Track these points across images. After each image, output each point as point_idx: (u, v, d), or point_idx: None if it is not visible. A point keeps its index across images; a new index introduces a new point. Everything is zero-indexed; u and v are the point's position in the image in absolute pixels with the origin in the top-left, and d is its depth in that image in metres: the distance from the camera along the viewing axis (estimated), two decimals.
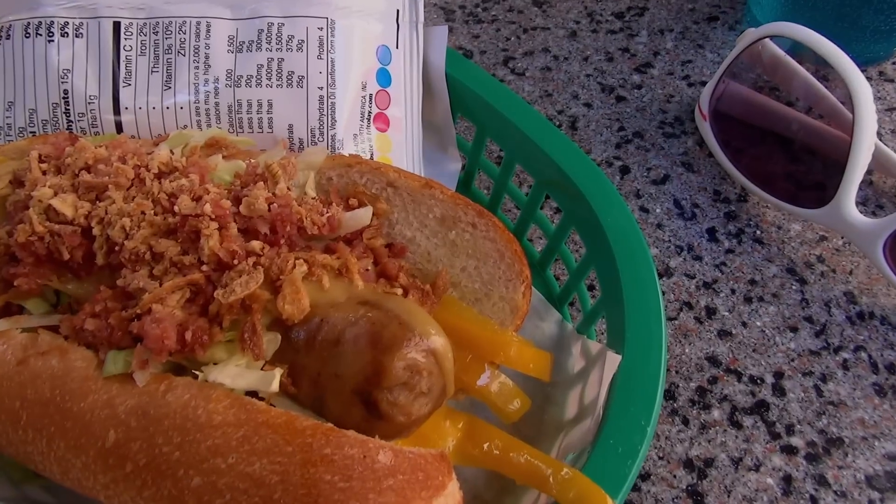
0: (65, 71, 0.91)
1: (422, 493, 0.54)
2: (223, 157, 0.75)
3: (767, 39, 1.10)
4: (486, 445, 0.64)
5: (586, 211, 0.82)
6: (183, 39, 0.91)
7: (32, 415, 0.60)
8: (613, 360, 0.68)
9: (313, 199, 0.71)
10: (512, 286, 0.72)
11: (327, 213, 0.68)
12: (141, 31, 0.92)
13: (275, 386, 0.57)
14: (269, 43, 0.90)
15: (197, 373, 0.59)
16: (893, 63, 1.29)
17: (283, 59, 0.89)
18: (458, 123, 1.04)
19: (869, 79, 1.23)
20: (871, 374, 0.94)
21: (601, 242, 0.79)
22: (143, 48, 0.91)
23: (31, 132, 0.90)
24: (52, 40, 0.91)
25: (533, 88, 1.27)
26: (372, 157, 0.93)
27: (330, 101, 0.90)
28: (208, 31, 0.91)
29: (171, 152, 0.76)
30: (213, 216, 0.63)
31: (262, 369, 0.59)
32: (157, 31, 0.91)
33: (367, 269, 0.69)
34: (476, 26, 1.38)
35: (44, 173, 0.69)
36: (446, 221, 0.74)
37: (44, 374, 0.60)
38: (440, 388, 0.59)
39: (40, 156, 0.71)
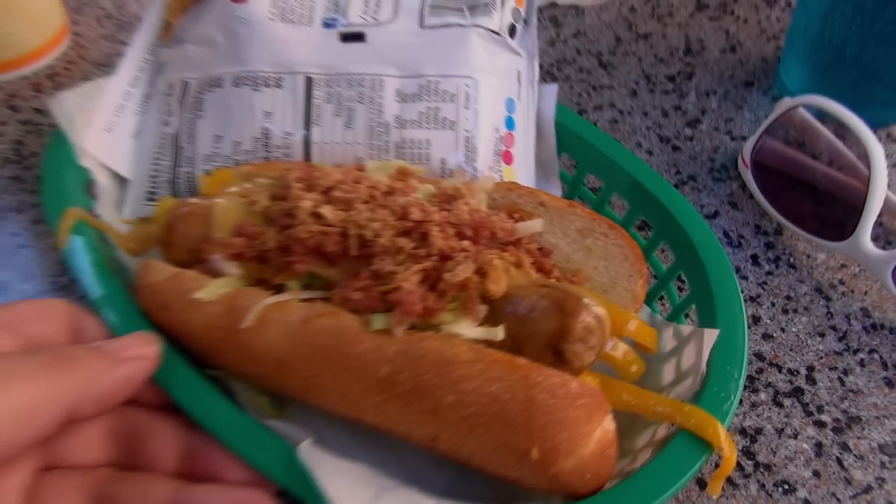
0: (266, 113, 1.10)
1: (597, 414, 0.78)
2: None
3: (800, 107, 1.38)
4: (622, 394, 0.89)
5: (675, 227, 1.05)
6: (361, 92, 1.14)
7: (319, 356, 0.78)
8: (712, 333, 0.90)
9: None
10: (633, 280, 0.95)
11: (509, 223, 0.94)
12: (328, 84, 1.15)
13: (500, 335, 0.81)
14: (428, 95, 1.12)
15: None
16: None
17: (438, 108, 1.09)
18: (560, 160, 1.30)
19: (878, 139, 1.51)
20: (881, 370, 1.19)
21: (688, 249, 1.02)
22: (329, 97, 1.15)
23: (234, 160, 1.10)
24: (258, 90, 1.14)
25: None
26: None
27: (473, 141, 1.09)
28: (381, 85, 1.14)
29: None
30: (436, 222, 0.89)
31: None
32: (341, 85, 1.16)
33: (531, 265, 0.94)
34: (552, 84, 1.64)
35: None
36: (584, 232, 0.97)
37: (324, 329, 0.78)
38: (602, 344, 0.83)
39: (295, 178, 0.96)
